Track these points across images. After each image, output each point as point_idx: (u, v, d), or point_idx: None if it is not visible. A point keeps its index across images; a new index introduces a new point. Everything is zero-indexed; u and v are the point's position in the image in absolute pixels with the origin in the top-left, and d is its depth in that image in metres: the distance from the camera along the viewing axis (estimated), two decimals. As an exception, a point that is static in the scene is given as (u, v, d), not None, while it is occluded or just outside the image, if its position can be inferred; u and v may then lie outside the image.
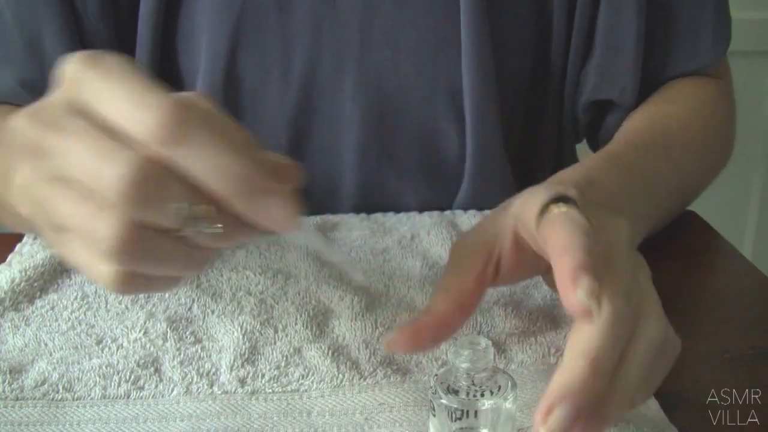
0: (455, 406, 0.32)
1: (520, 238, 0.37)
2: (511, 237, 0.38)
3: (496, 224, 0.39)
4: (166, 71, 0.59)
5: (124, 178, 0.28)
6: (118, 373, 0.38)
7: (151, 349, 0.41)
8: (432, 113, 0.59)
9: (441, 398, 0.32)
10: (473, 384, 0.32)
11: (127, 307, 0.45)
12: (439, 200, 0.60)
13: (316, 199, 0.61)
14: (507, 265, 0.38)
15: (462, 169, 0.60)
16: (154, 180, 0.28)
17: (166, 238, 0.30)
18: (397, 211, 0.59)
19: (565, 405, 0.28)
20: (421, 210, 0.59)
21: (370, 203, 0.60)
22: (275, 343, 0.41)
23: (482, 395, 0.32)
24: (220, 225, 0.30)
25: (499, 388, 0.32)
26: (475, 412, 0.31)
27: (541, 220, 0.35)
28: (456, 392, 0.32)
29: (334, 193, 0.61)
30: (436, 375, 0.33)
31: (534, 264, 0.38)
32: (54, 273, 0.49)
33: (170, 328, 0.42)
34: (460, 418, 0.31)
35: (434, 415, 0.32)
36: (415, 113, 0.59)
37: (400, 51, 0.58)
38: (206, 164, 0.28)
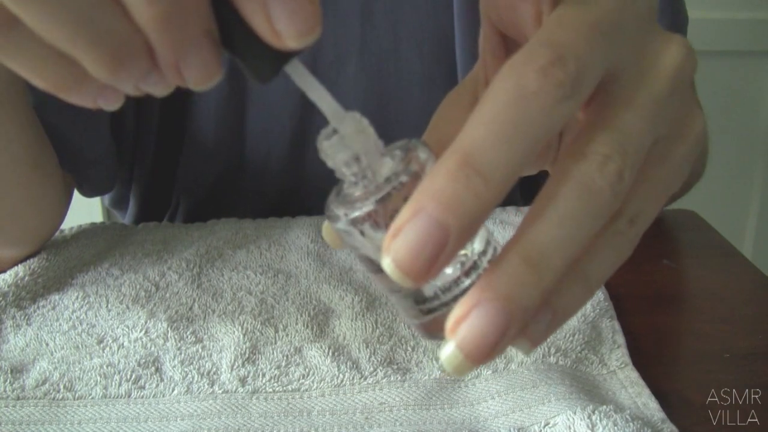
0: (370, 209, 0.23)
1: (510, 40, 0.29)
2: (495, 48, 0.30)
3: (476, 65, 0.32)
4: None
5: None
6: (118, 373, 0.38)
7: (152, 348, 0.41)
8: (431, 98, 0.59)
9: (341, 219, 0.23)
10: (368, 170, 0.24)
11: (128, 307, 0.45)
12: None
13: (319, 187, 0.61)
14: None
15: None
16: None
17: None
18: None
19: (488, 307, 0.20)
20: None
21: None
22: (276, 342, 0.41)
23: (394, 178, 0.23)
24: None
25: (405, 152, 0.24)
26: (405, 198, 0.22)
27: None
28: (366, 196, 0.23)
29: (337, 180, 0.61)
30: (330, 202, 0.25)
31: None
32: (57, 270, 0.49)
33: (171, 328, 0.42)
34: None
35: (359, 244, 0.24)
36: (415, 99, 0.59)
37: (400, 37, 0.58)
38: None
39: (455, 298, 0.23)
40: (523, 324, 0.20)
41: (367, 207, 0.23)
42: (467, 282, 0.23)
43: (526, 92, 0.20)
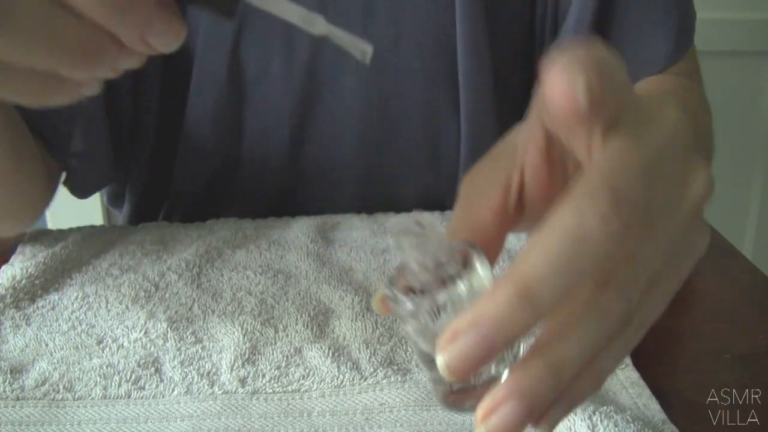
0: (427, 306, 0.26)
1: (553, 138, 0.28)
2: (539, 141, 0.28)
3: (514, 139, 0.31)
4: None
5: None
6: (118, 373, 0.38)
7: (152, 349, 0.41)
8: (432, 96, 0.59)
9: (407, 304, 0.27)
10: (435, 270, 0.27)
11: (127, 307, 0.45)
12: (438, 187, 0.61)
13: (318, 186, 0.61)
14: (535, 187, 0.29)
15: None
16: None
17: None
18: (398, 196, 0.59)
19: (514, 404, 0.23)
20: (421, 197, 0.59)
21: (370, 189, 0.61)
22: (276, 343, 0.41)
23: (451, 279, 0.26)
24: None
25: (464, 261, 0.27)
26: (453, 300, 0.26)
27: None
28: (421, 291, 0.26)
29: (335, 179, 0.61)
30: (389, 280, 0.27)
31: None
32: (55, 272, 0.49)
33: (171, 328, 0.42)
34: (439, 313, 0.26)
35: (411, 325, 0.27)
36: (415, 97, 0.60)
37: (401, 34, 0.58)
38: None
39: (482, 382, 0.27)
40: (541, 413, 0.24)
41: (428, 303, 0.26)
42: (493, 370, 0.27)
43: (585, 236, 0.22)
